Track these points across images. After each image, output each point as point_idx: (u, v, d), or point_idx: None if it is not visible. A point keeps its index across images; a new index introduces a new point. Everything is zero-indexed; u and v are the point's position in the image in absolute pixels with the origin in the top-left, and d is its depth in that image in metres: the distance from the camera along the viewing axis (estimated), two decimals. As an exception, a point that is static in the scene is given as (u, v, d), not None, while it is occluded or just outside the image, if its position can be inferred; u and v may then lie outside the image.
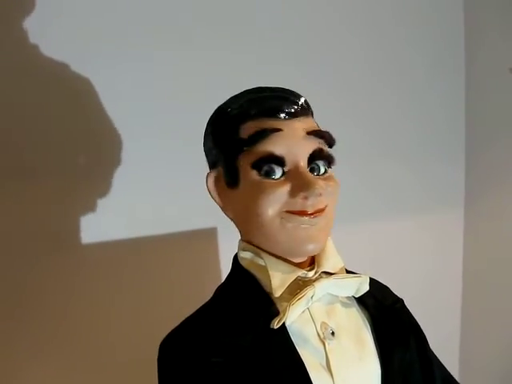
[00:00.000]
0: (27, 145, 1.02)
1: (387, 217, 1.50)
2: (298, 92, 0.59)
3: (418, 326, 0.65)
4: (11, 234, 1.01)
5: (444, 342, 1.69)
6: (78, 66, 1.04)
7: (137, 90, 1.10)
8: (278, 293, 0.54)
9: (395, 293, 0.67)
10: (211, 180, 0.58)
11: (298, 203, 0.52)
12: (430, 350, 0.64)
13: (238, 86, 0.61)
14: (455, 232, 1.70)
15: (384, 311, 0.60)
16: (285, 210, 0.53)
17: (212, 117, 0.61)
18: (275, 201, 0.52)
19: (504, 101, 1.55)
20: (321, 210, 0.54)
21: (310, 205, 0.52)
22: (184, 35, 1.14)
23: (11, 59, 1.00)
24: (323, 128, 0.58)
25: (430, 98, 1.58)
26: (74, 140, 1.07)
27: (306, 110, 0.57)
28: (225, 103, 0.59)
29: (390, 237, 1.51)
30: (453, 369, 0.71)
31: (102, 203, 1.08)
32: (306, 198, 0.52)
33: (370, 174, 1.47)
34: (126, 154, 1.09)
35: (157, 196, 1.10)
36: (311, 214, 0.53)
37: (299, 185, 0.52)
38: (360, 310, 0.60)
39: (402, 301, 0.65)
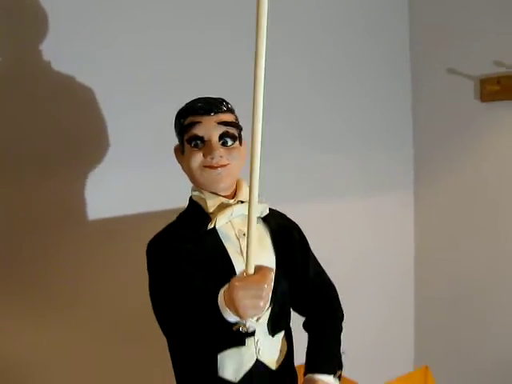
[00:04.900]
0: (36, 140, 1.23)
1: (342, 200, 1.73)
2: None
3: (307, 242, 1.03)
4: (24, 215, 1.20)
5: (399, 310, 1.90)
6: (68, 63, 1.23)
7: (129, 86, 1.31)
8: (211, 209, 0.92)
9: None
10: (176, 150, 0.97)
11: (208, 161, 0.91)
12: (313, 258, 1.03)
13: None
14: (406, 213, 1.94)
15: (280, 228, 0.98)
16: (203, 165, 0.91)
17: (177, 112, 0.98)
18: (197, 160, 0.91)
19: (445, 93, 1.81)
20: (224, 165, 0.91)
21: (215, 162, 0.90)
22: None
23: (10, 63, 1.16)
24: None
25: (380, 92, 1.80)
26: (79, 135, 1.25)
27: (221, 109, 0.93)
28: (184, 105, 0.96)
29: (345, 219, 1.76)
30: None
31: (104, 185, 1.30)
32: (211, 158, 0.90)
33: (330, 161, 1.69)
34: (125, 143, 1.32)
35: (154, 178, 1.32)
36: (216, 167, 0.90)
37: (208, 151, 0.91)
38: (264, 226, 0.97)
39: (295, 224, 1.03)
